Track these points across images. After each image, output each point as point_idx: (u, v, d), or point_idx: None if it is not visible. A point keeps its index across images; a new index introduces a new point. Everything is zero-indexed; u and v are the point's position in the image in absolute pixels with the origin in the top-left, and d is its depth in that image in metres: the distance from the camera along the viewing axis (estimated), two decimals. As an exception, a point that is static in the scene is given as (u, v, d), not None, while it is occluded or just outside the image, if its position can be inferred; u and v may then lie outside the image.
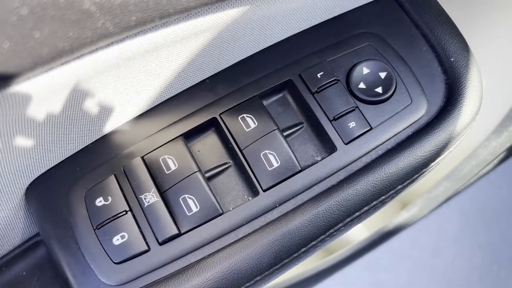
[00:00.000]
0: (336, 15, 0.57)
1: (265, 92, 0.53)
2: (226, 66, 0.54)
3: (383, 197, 0.51)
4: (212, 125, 0.53)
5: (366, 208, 0.51)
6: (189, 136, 0.52)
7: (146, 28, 0.36)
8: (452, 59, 0.54)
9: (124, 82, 0.44)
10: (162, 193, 0.49)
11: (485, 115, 0.82)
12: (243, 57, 0.54)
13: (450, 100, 0.53)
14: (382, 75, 0.53)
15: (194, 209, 0.48)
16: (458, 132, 0.52)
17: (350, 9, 0.57)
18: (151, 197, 0.48)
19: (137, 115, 0.51)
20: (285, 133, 0.52)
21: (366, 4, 0.57)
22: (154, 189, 0.48)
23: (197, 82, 0.53)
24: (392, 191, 0.52)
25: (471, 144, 0.86)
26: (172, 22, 0.38)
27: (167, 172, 0.49)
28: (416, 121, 0.53)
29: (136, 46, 0.38)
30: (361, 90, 0.53)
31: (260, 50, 0.55)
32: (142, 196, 0.48)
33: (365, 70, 0.53)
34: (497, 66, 0.79)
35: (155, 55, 0.42)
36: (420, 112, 0.53)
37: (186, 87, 0.53)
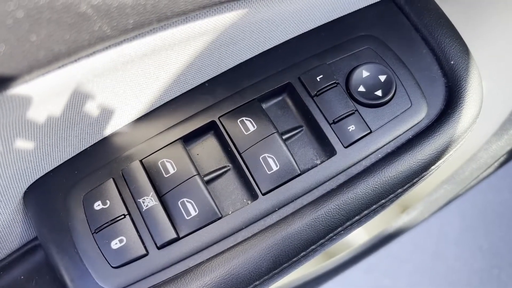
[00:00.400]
0: (336, 18, 0.56)
1: (264, 95, 0.53)
2: (225, 69, 0.54)
3: (383, 201, 0.51)
4: (211, 128, 0.53)
5: (366, 212, 0.51)
6: (188, 140, 0.52)
7: (144, 31, 0.36)
8: (452, 62, 0.54)
9: (122, 85, 0.44)
10: (161, 197, 0.48)
11: (485, 117, 0.82)
12: (242, 60, 0.54)
13: (450, 103, 0.53)
14: (382, 78, 0.53)
15: (193, 213, 0.48)
16: (458, 135, 0.52)
17: (350, 12, 0.57)
18: (149, 200, 0.48)
19: (135, 118, 0.51)
20: (284, 137, 0.52)
21: (365, 7, 0.57)
22: (152, 192, 0.48)
23: (196, 85, 0.53)
24: (392, 195, 0.51)
25: (471, 147, 0.86)
26: (170, 25, 0.38)
27: (165, 176, 0.49)
28: (416, 124, 0.52)
29: (134, 49, 0.38)
30: (360, 93, 0.53)
31: (260, 53, 0.55)
32: (141, 200, 0.48)
33: (365, 73, 0.53)
34: (497, 69, 0.79)
35: (154, 58, 0.42)
36: (420, 115, 0.53)
37: (185, 90, 0.52)
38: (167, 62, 0.45)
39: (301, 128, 0.53)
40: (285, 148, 0.50)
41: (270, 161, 0.50)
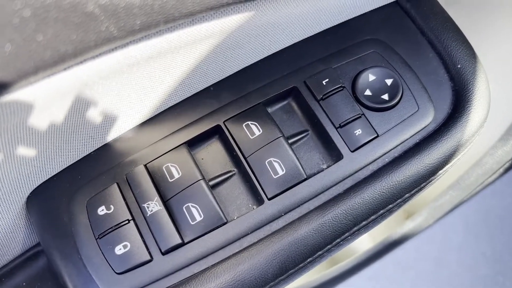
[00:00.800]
0: (341, 21, 0.56)
1: (269, 99, 0.52)
2: (231, 73, 0.53)
3: (390, 205, 0.50)
4: (216, 132, 0.52)
5: (373, 217, 0.50)
6: (193, 144, 0.51)
7: (151, 33, 0.36)
8: (459, 66, 0.53)
9: (127, 88, 0.43)
10: (166, 202, 0.48)
11: (491, 122, 0.81)
12: (248, 64, 0.53)
13: (457, 107, 0.52)
14: (388, 82, 0.53)
15: (198, 218, 0.47)
16: (466, 139, 0.51)
17: (356, 15, 0.57)
18: (154, 205, 0.47)
19: (140, 122, 0.51)
20: (290, 141, 0.51)
21: (371, 11, 0.57)
22: (157, 197, 0.47)
23: (202, 89, 0.52)
24: (399, 200, 0.51)
25: (477, 152, 0.85)
26: (177, 27, 0.38)
27: (170, 180, 0.48)
28: (423, 128, 0.52)
29: (140, 52, 0.38)
30: (367, 97, 0.52)
31: (265, 57, 0.54)
32: (145, 205, 0.47)
33: (371, 77, 0.53)
34: (503, 73, 0.78)
35: (159, 61, 0.42)
36: (427, 119, 0.52)
37: (190, 94, 0.52)
38: (173, 65, 0.44)
39: (307, 132, 0.53)
40: (291, 152, 0.49)
41: (276, 165, 0.49)
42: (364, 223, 0.50)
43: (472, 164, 0.84)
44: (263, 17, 0.45)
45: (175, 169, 0.49)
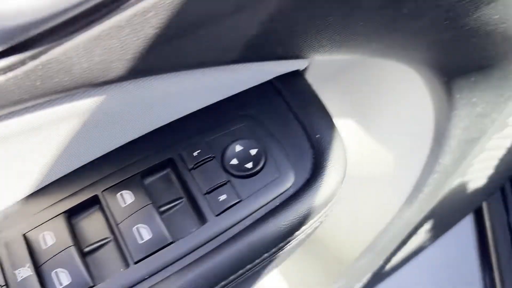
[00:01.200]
0: (219, 100, 0.63)
1: (147, 170, 0.58)
2: (113, 148, 0.59)
3: (249, 265, 0.54)
4: (97, 202, 0.57)
5: (232, 277, 0.54)
6: (75, 213, 0.56)
7: None
8: (317, 136, 0.60)
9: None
10: (38, 268, 0.52)
11: (396, 186, 0.86)
12: (129, 140, 0.59)
13: (314, 173, 0.58)
14: (253, 152, 0.59)
15: (65, 283, 0.51)
16: (319, 202, 0.56)
17: (233, 94, 0.63)
18: (25, 271, 0.51)
19: (22, 197, 0.55)
20: (164, 208, 0.56)
21: (248, 89, 0.64)
22: (29, 264, 0.51)
23: (85, 163, 0.58)
24: (258, 260, 0.55)
25: (386, 216, 0.89)
26: (23, 111, 0.43)
27: (43, 248, 0.52)
28: (283, 192, 0.57)
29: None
30: (233, 166, 0.58)
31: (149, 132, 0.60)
32: (16, 271, 0.51)
33: (238, 148, 0.59)
34: (402, 139, 0.84)
35: (17, 144, 0.46)
36: (287, 184, 0.57)
37: (72, 169, 0.57)
38: (40, 144, 0.49)
39: (182, 200, 0.58)
40: (158, 218, 0.54)
41: (143, 231, 0.53)
42: (223, 283, 0.53)
43: (382, 229, 0.88)
44: (112, 102, 0.50)
45: (50, 237, 0.53)
